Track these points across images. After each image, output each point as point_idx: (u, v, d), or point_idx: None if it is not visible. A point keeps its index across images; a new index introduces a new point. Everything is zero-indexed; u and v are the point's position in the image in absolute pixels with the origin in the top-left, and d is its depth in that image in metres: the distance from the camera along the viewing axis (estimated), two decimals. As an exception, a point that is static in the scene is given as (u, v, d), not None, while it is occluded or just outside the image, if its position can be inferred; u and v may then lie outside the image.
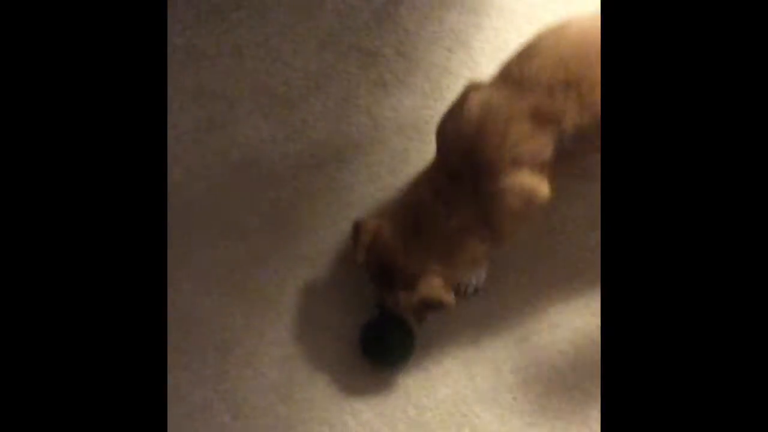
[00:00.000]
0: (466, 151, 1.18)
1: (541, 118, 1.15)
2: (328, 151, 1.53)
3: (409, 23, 1.57)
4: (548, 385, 1.43)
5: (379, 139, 1.53)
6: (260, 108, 1.54)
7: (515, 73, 1.20)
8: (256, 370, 1.44)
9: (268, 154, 1.52)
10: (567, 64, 1.16)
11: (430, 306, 1.26)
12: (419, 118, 1.53)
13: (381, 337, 1.41)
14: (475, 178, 1.19)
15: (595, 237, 1.47)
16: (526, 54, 1.22)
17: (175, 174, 1.51)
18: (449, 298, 1.26)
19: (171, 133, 1.53)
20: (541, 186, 1.20)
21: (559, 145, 1.17)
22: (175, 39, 1.56)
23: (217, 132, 1.53)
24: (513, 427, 1.41)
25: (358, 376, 1.44)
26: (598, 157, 1.22)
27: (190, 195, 1.51)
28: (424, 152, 1.52)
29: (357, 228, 1.32)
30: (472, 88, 1.25)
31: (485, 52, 1.56)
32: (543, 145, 1.16)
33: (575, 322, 1.44)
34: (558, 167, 1.21)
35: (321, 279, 1.48)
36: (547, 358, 1.44)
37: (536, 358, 1.43)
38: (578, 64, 1.16)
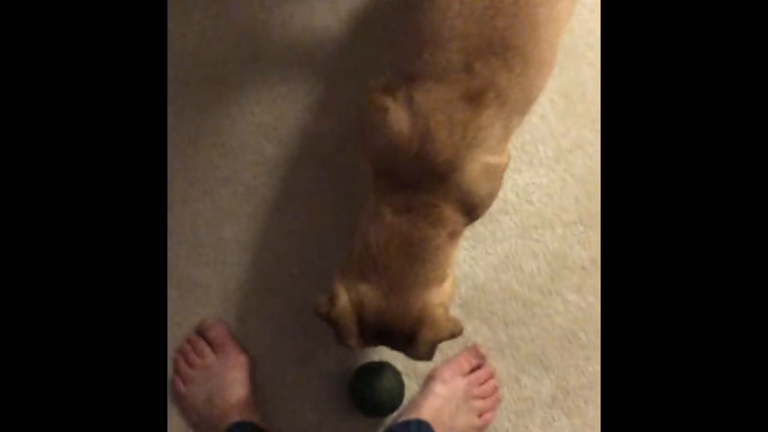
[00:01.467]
0: (413, 159, 1.04)
1: (475, 97, 1.02)
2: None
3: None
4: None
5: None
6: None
7: (418, 68, 1.05)
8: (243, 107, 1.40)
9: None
10: (468, 39, 1.01)
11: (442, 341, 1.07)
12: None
13: (372, 389, 1.27)
14: (431, 178, 1.04)
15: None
16: (414, 43, 1.06)
17: (296, 23, 1.46)
18: (457, 324, 1.07)
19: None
20: (501, 158, 1.08)
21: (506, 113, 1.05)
22: None
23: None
24: None
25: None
26: None
27: (285, 38, 1.46)
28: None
29: (323, 308, 1.08)
30: (377, 95, 1.08)
31: None
32: (490, 123, 1.04)
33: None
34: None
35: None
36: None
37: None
38: (483, 34, 1.01)
